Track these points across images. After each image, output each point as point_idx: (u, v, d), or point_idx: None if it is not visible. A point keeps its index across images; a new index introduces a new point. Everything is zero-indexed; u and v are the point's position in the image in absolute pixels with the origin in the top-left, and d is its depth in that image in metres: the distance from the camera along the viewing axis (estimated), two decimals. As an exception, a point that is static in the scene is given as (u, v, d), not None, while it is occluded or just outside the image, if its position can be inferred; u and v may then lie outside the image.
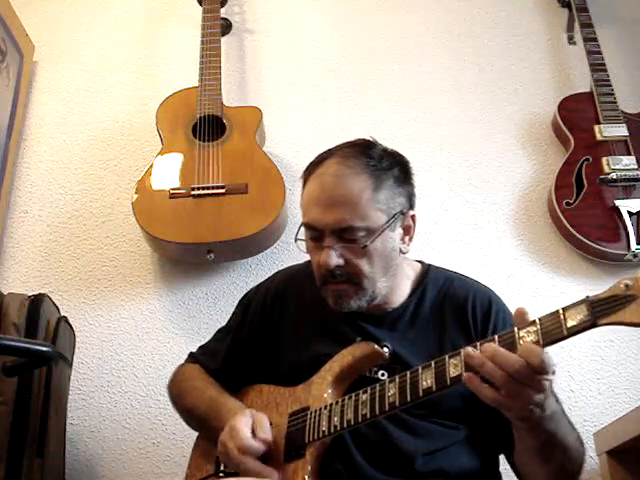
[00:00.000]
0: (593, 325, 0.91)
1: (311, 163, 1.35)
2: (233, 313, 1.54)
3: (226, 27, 2.51)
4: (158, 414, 1.88)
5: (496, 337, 1.01)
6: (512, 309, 1.07)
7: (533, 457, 1.14)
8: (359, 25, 2.55)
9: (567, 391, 1.91)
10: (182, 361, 1.56)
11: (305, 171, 1.35)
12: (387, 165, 1.31)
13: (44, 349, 1.26)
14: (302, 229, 1.33)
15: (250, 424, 1.22)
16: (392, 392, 1.11)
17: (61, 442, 1.63)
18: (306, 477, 1.16)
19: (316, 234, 1.29)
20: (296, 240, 1.32)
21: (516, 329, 0.99)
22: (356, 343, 1.28)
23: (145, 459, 1.84)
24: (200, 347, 1.55)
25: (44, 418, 1.50)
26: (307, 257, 1.37)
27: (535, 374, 0.96)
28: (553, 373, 0.99)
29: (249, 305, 1.49)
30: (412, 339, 1.31)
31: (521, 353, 0.97)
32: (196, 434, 1.46)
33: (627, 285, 0.89)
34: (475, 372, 1.00)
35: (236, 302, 1.56)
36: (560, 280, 2.07)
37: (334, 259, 1.25)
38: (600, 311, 0.91)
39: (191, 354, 1.55)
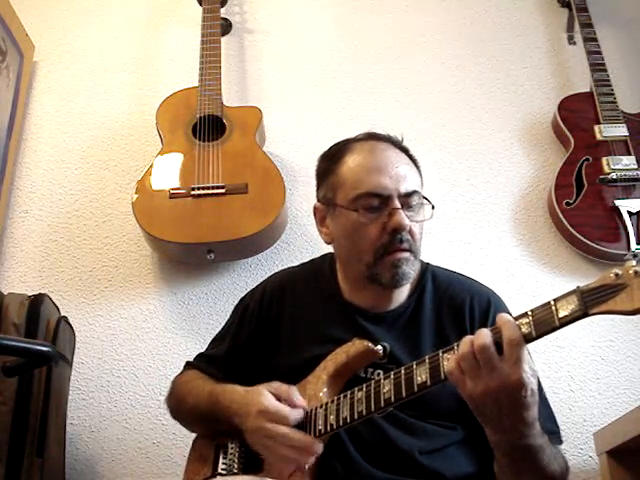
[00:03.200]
0: (585, 315, 0.92)
1: (339, 148, 1.38)
2: (229, 318, 1.53)
3: (226, 27, 2.51)
4: (158, 414, 1.88)
5: (488, 329, 1.02)
6: (511, 309, 1.07)
7: (503, 471, 1.13)
8: (359, 25, 2.55)
9: (567, 391, 1.91)
10: (182, 361, 1.55)
11: (337, 148, 1.38)
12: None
13: (44, 349, 1.26)
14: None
15: (273, 398, 1.20)
16: (387, 388, 1.11)
17: (61, 442, 1.63)
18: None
19: (378, 202, 1.28)
20: (357, 210, 1.29)
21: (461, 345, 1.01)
22: (350, 342, 1.27)
23: (145, 459, 1.84)
24: (197, 355, 1.53)
25: (44, 418, 1.51)
26: (306, 257, 1.37)
27: (493, 361, 0.97)
28: (517, 389, 0.98)
29: (246, 309, 1.48)
30: (410, 339, 1.31)
31: (497, 321, 1.00)
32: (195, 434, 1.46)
33: (617, 274, 0.90)
34: None
35: (236, 302, 1.56)
36: (560, 280, 2.07)
37: (406, 219, 1.27)
38: (591, 300, 0.92)
39: (188, 363, 1.52)
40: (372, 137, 1.38)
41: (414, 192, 1.30)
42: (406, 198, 1.28)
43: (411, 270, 1.29)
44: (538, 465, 1.09)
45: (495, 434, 1.05)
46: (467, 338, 1.01)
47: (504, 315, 1.01)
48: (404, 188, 1.28)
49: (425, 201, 1.33)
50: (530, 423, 1.02)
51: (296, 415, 1.18)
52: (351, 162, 1.33)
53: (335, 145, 1.40)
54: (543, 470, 1.10)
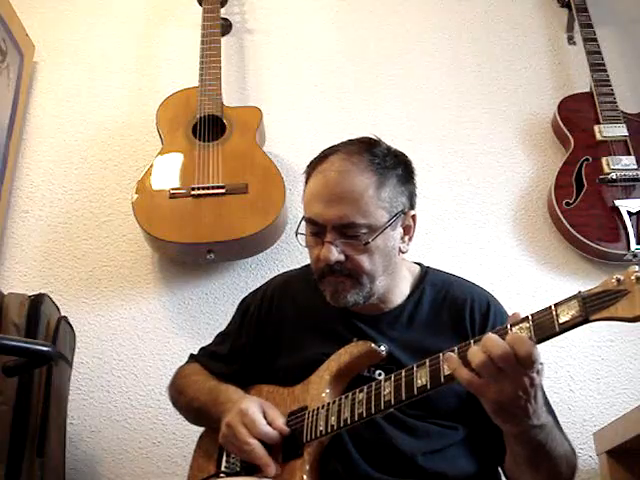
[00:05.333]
0: (585, 321, 0.92)
1: (315, 159, 1.35)
2: (232, 318, 1.55)
3: (226, 27, 2.51)
4: (158, 414, 1.88)
5: (489, 333, 1.01)
6: (511, 309, 1.07)
7: (521, 465, 1.15)
8: (359, 25, 2.55)
9: (567, 391, 1.91)
10: (182, 361, 1.56)
11: (308, 166, 1.35)
12: (391, 164, 1.31)
13: (44, 349, 1.26)
14: (303, 223, 1.33)
15: (261, 410, 1.24)
16: (388, 391, 1.12)
17: (61, 442, 1.63)
18: (304, 476, 1.16)
19: (317, 229, 1.29)
20: (297, 234, 1.33)
21: (509, 325, 1.00)
22: (353, 342, 1.28)
23: (145, 459, 1.84)
24: (201, 349, 1.55)
25: (44, 418, 1.51)
26: (306, 257, 1.37)
27: (517, 365, 0.96)
28: (538, 372, 0.99)
29: (247, 310, 1.50)
30: (409, 340, 1.31)
31: (509, 340, 0.97)
32: (197, 434, 1.46)
33: (619, 280, 0.90)
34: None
35: (236, 302, 1.57)
36: (560, 280, 2.07)
37: (335, 254, 1.25)
38: (592, 306, 0.91)
39: (191, 355, 1.55)
40: (333, 152, 1.31)
41: (351, 224, 1.24)
42: (343, 229, 1.25)
43: (350, 293, 1.28)
44: (552, 447, 1.10)
45: (518, 426, 1.04)
46: (476, 350, 0.99)
47: (517, 336, 0.98)
48: (339, 221, 1.25)
49: (380, 228, 1.26)
50: (542, 402, 1.04)
51: (267, 430, 1.21)
52: (310, 182, 1.33)
53: (317, 155, 1.36)
54: (555, 451, 1.11)
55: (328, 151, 1.34)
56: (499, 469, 1.31)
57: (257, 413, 1.22)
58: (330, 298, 1.30)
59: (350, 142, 1.35)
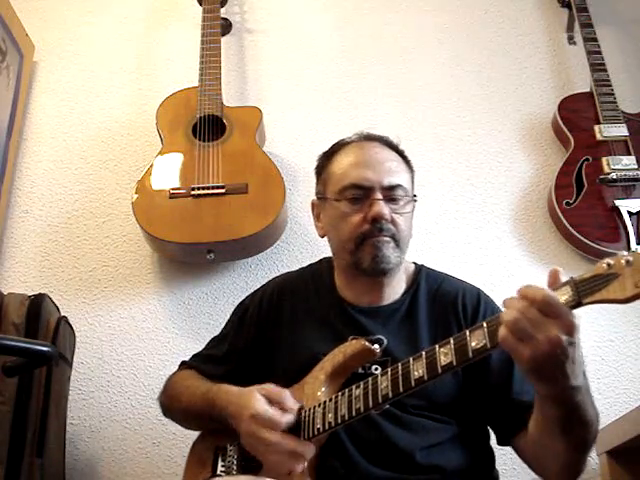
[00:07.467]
0: (578, 304, 0.94)
1: (330, 150, 1.46)
2: (228, 321, 1.55)
3: (226, 27, 2.51)
4: (158, 414, 1.85)
5: (484, 323, 1.02)
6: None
7: (553, 429, 1.10)
8: (359, 25, 2.55)
9: (567, 391, 1.91)
10: (182, 361, 1.56)
11: (325, 156, 1.46)
12: (403, 155, 1.45)
13: (44, 349, 1.26)
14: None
15: (265, 402, 1.19)
16: (385, 384, 1.12)
17: (61, 442, 1.64)
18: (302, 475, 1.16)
19: (361, 193, 1.34)
20: (337, 200, 1.37)
21: (502, 315, 1.00)
22: (347, 341, 1.28)
23: (145, 459, 1.84)
24: (193, 355, 1.54)
25: (44, 418, 1.51)
26: (306, 257, 1.37)
27: (541, 314, 0.95)
28: (576, 329, 0.96)
29: (246, 311, 1.50)
30: (405, 335, 1.33)
31: (519, 293, 0.99)
32: (196, 433, 1.46)
33: (609, 264, 0.91)
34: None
35: (236, 302, 1.57)
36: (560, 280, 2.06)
37: (386, 209, 1.32)
38: (584, 290, 0.93)
39: (183, 362, 1.53)
40: (366, 137, 1.45)
41: (397, 185, 1.36)
42: (389, 191, 1.35)
43: (392, 255, 1.33)
44: (585, 410, 1.07)
45: (555, 386, 1.01)
46: (505, 311, 0.98)
47: (524, 287, 1.00)
48: (387, 181, 1.35)
49: (412, 197, 1.39)
50: (580, 362, 1.03)
51: (287, 419, 1.18)
52: (341, 158, 1.41)
53: (333, 144, 1.47)
54: (587, 415, 1.08)
55: (342, 141, 1.45)
56: (495, 464, 1.33)
57: (268, 410, 1.18)
58: (371, 262, 1.33)
59: (364, 134, 1.46)
